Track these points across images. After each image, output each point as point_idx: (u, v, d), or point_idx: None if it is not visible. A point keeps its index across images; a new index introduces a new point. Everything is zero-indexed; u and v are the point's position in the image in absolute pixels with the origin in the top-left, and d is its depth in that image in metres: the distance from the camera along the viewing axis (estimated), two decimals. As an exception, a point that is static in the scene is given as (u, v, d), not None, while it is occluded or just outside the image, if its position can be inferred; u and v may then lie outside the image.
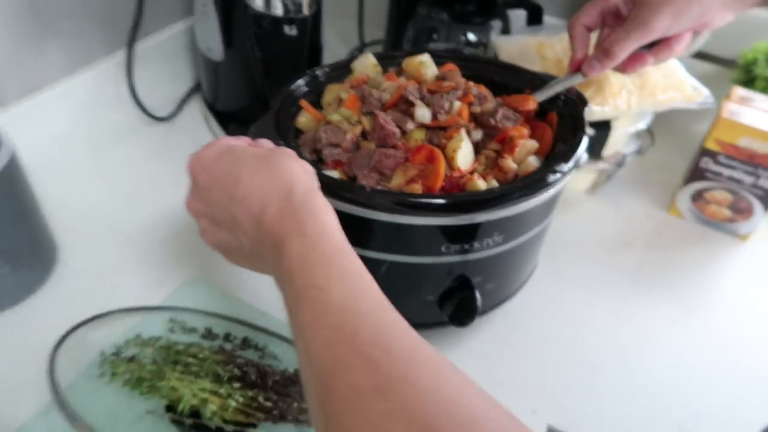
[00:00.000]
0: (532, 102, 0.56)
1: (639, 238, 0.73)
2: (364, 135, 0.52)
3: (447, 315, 0.54)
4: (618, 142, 0.73)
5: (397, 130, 0.51)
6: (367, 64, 0.58)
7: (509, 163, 0.51)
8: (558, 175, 0.49)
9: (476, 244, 0.50)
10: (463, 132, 0.50)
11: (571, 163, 0.50)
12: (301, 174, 0.36)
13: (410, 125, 0.51)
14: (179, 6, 0.82)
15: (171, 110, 0.83)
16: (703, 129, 0.86)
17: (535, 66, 0.69)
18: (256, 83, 0.74)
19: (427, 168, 0.49)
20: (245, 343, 0.54)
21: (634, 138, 0.76)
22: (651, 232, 0.74)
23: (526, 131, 0.54)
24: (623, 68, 0.57)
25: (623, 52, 0.54)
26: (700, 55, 0.82)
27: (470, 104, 0.55)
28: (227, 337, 0.54)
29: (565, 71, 0.67)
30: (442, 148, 0.50)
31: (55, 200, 0.64)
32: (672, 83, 0.66)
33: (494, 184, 0.50)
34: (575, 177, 0.75)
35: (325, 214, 0.34)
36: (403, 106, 0.53)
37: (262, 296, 0.60)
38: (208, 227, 0.40)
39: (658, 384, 0.57)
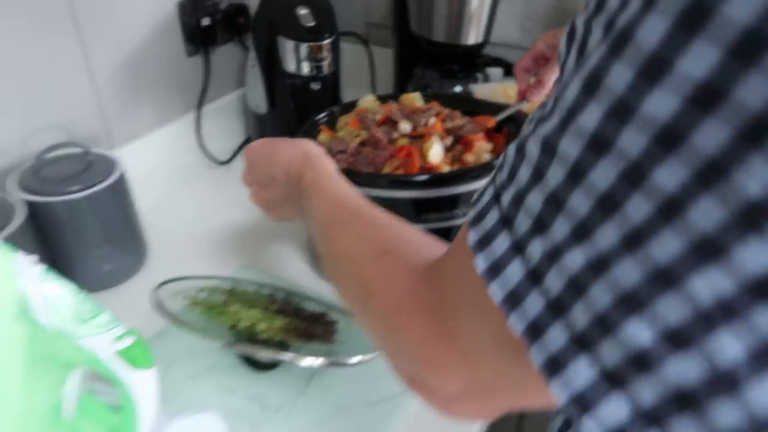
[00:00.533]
0: (491, 121, 0.78)
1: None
2: (363, 144, 0.74)
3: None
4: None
5: (384, 138, 0.72)
6: (368, 99, 0.81)
7: (468, 157, 0.72)
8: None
9: (447, 214, 0.69)
10: (435, 136, 0.72)
11: (512, 154, 0.70)
12: (314, 146, 0.58)
13: (395, 134, 0.72)
14: (234, 79, 1.08)
15: (228, 156, 1.07)
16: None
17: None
18: (292, 129, 0.98)
19: (407, 161, 0.70)
20: (285, 299, 0.74)
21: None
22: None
23: (483, 137, 0.74)
24: None
25: (551, 80, 0.76)
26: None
27: (443, 120, 0.76)
28: (272, 296, 0.74)
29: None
30: (420, 149, 0.71)
31: (148, 217, 0.86)
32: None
33: (456, 171, 0.70)
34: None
35: (326, 163, 0.55)
36: (390, 123, 0.75)
37: (296, 275, 0.80)
38: (256, 190, 0.61)
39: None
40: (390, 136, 0.73)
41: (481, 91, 0.97)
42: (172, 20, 0.92)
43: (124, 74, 0.87)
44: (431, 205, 0.68)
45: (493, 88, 0.95)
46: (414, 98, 0.81)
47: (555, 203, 0.21)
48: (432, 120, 0.75)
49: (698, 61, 0.16)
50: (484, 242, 0.25)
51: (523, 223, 0.23)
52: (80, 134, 0.83)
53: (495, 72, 1.08)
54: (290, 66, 0.91)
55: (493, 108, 0.80)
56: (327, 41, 0.89)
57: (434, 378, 0.30)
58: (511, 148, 0.25)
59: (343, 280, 0.40)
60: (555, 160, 0.21)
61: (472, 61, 1.06)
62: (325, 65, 0.90)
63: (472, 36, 0.98)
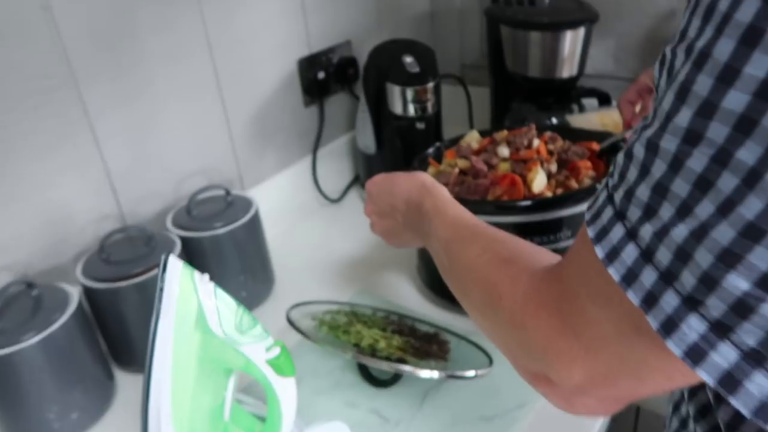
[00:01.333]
0: (595, 145, 0.81)
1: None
2: (464, 173, 0.79)
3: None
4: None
5: (484, 167, 0.77)
6: (472, 135, 0.88)
7: (573, 183, 0.76)
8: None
9: (551, 237, 0.73)
10: (538, 167, 0.76)
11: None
12: (429, 177, 0.65)
13: (495, 160, 0.78)
14: (345, 124, 1.19)
15: (339, 194, 1.17)
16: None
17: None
18: (400, 168, 1.06)
19: (511, 189, 0.75)
20: (400, 320, 0.80)
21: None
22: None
23: (590, 164, 0.78)
24: None
25: None
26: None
27: (546, 142, 0.81)
28: (387, 317, 0.80)
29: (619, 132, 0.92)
30: (523, 177, 0.76)
31: (272, 249, 0.97)
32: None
33: (560, 196, 0.74)
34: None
35: (443, 189, 0.61)
36: (491, 147, 0.80)
37: (408, 300, 0.86)
38: (377, 220, 0.69)
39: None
40: (490, 162, 0.78)
41: (577, 121, 1.00)
42: (292, 76, 1.05)
43: (254, 125, 1.00)
44: (536, 229, 0.73)
45: (588, 118, 0.99)
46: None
47: (660, 191, 0.26)
48: (536, 142, 0.79)
49: (758, 66, 0.22)
50: (601, 234, 0.29)
51: (634, 213, 0.27)
52: (219, 178, 0.95)
53: (590, 102, 1.11)
54: (397, 109, 1.00)
55: (594, 136, 0.84)
56: (431, 84, 0.97)
57: (558, 370, 0.34)
58: (620, 155, 0.30)
59: (471, 288, 0.45)
60: (658, 156, 0.26)
61: (567, 93, 1.10)
62: (429, 106, 0.98)
63: (566, 70, 1.03)
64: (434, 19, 1.37)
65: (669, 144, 0.25)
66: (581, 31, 0.99)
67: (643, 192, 0.27)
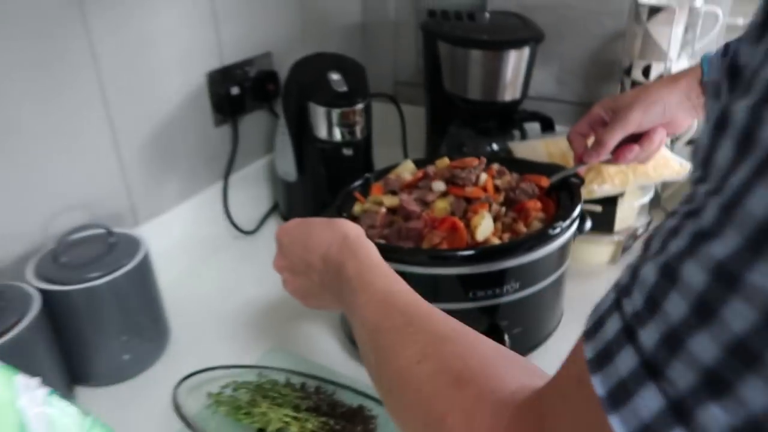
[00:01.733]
0: (544, 181, 0.71)
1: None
2: (394, 212, 0.67)
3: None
4: (628, 217, 0.85)
5: (416, 208, 0.65)
6: (406, 166, 0.76)
7: (521, 227, 0.65)
8: (557, 230, 0.62)
9: (497, 290, 0.63)
10: (486, 210, 0.65)
11: (567, 222, 0.63)
12: (353, 227, 0.52)
13: (430, 196, 0.66)
14: (262, 146, 1.05)
15: (255, 226, 1.03)
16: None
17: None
18: (324, 196, 0.93)
19: (452, 236, 0.63)
20: (318, 390, 0.66)
21: (644, 212, 0.88)
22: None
23: (539, 204, 0.68)
24: (616, 158, 0.72)
25: (611, 140, 0.69)
26: (692, 141, 0.95)
27: (493, 176, 0.70)
28: (303, 386, 0.67)
29: (568, 162, 0.83)
30: (468, 220, 0.64)
31: (169, 293, 0.81)
32: (660, 163, 0.80)
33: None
34: (595, 250, 0.86)
35: (369, 247, 0.49)
36: (423, 183, 0.69)
37: (329, 357, 0.73)
38: (289, 277, 0.56)
39: None
40: (424, 198, 0.67)
41: (520, 149, 0.91)
42: (200, 91, 0.90)
43: (151, 149, 0.84)
44: (479, 282, 0.62)
45: (533, 146, 0.89)
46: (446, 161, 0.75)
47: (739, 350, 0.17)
48: (483, 177, 0.69)
49: None
50: (617, 390, 0.20)
51: (681, 375, 0.19)
52: (104, 213, 0.79)
53: (532, 127, 1.02)
54: (321, 132, 0.87)
55: (542, 168, 0.74)
56: (360, 106, 0.85)
57: None
58: (648, 271, 0.20)
59: (405, 409, 0.33)
60: (736, 289, 0.17)
61: (509, 117, 1.00)
62: (358, 130, 0.86)
63: (509, 93, 0.94)
64: (365, 31, 1.25)
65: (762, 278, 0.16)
66: (526, 51, 0.89)
67: (702, 346, 0.18)
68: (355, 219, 0.71)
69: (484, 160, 0.71)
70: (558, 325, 0.72)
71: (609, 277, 0.88)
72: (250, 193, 1.03)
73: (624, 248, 0.88)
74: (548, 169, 0.74)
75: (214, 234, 0.97)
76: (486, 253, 0.60)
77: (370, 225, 0.66)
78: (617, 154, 0.71)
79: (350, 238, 0.49)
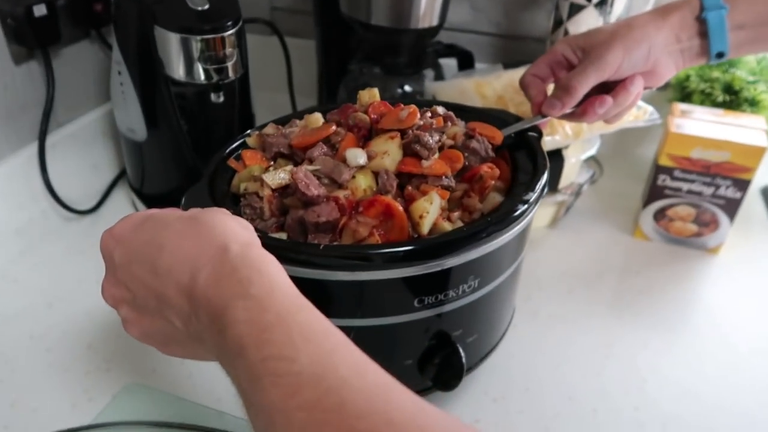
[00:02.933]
0: (497, 135, 0.52)
1: (610, 267, 0.69)
2: (286, 190, 0.46)
3: (430, 379, 0.48)
4: (572, 173, 0.71)
5: (319, 192, 0.44)
6: (313, 119, 0.53)
7: (475, 203, 0.47)
8: (525, 205, 0.45)
9: (451, 293, 0.45)
10: (434, 193, 0.45)
11: (536, 192, 0.46)
12: (237, 228, 0.31)
13: (345, 174, 0.45)
14: (94, 91, 0.77)
15: (94, 202, 0.76)
16: (647, 149, 0.86)
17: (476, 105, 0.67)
18: (187, 160, 0.69)
19: (385, 224, 0.44)
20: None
21: (586, 167, 0.75)
22: (620, 258, 0.71)
23: (496, 170, 0.49)
24: (583, 111, 0.54)
25: (582, 87, 0.52)
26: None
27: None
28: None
29: (506, 107, 0.66)
30: (407, 200, 0.45)
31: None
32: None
33: (460, 224, 0.45)
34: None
35: (271, 268, 0.28)
36: (328, 144, 0.48)
37: (217, 393, 0.52)
38: (131, 315, 0.33)
39: (665, 415, 0.52)
40: (338, 177, 0.45)
41: (444, 91, 0.73)
42: (-22, 9, 0.60)
43: None
44: (429, 284, 0.43)
45: (461, 87, 0.71)
46: (375, 93, 0.54)
47: None
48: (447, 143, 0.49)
49: None
50: None
51: None
52: None
53: (448, 63, 0.84)
54: (177, 71, 0.62)
55: (490, 118, 0.55)
56: (231, 32, 0.60)
57: None
58: None
59: None
60: None
61: (422, 52, 0.81)
62: (230, 67, 0.62)
63: (426, 18, 0.74)
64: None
65: None
66: (447, -38, 0.69)
67: None
68: (237, 200, 0.49)
69: (415, 109, 0.50)
70: (510, 322, 0.56)
71: (551, 243, 0.76)
72: (83, 159, 0.76)
73: (567, 208, 0.74)
74: (494, 118, 0.56)
75: (31, 219, 0.69)
76: (438, 245, 0.42)
77: (252, 215, 0.45)
78: (585, 107, 0.54)
79: (232, 252, 0.28)
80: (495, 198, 0.48)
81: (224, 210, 0.33)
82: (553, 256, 0.71)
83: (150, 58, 0.62)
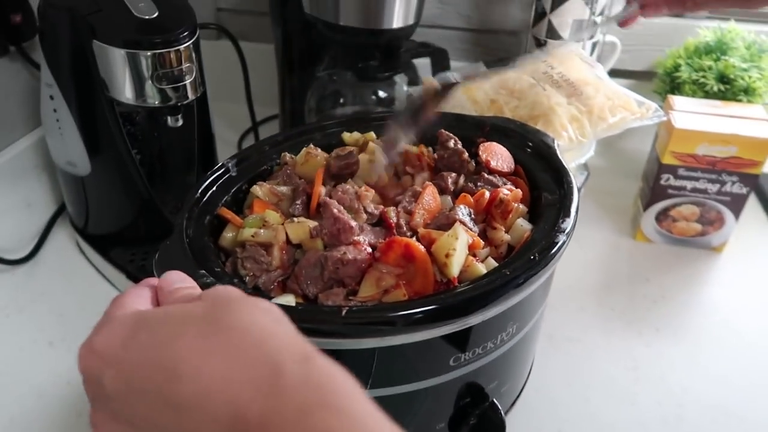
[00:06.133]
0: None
1: (617, 276, 0.65)
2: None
3: (466, 441, 0.41)
4: (569, 177, 0.66)
5: (353, 223, 0.38)
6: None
7: (501, 235, 0.40)
8: (564, 236, 0.39)
9: (489, 345, 0.38)
10: (458, 227, 0.38)
11: (572, 217, 0.41)
12: (278, 332, 0.23)
13: (364, 214, 0.38)
14: (21, 116, 0.65)
15: (30, 247, 0.64)
16: (632, 143, 0.82)
17: (469, 112, 0.61)
18: (140, 192, 0.59)
19: (409, 269, 0.36)
20: None
21: (581, 170, 0.70)
22: (625, 265, 0.66)
23: (519, 191, 0.43)
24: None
25: None
26: (614, 72, 0.79)
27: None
28: None
29: (498, 112, 0.60)
30: (427, 243, 0.38)
31: None
32: (618, 103, 0.60)
33: (492, 263, 0.39)
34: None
35: (347, 388, 0.20)
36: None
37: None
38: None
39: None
40: (358, 218, 0.39)
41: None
42: None
43: None
44: (468, 339, 0.37)
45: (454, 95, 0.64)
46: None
47: None
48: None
49: None
50: None
51: None
52: None
53: (422, 65, 0.77)
54: (124, 93, 0.52)
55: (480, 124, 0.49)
56: (187, 43, 0.50)
57: None
58: None
59: None
60: None
61: (395, 53, 0.74)
62: (189, 85, 0.52)
63: (400, 16, 0.66)
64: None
65: None
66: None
67: None
68: (224, 254, 0.41)
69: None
70: (533, 364, 0.50)
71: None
72: (13, 196, 0.64)
73: (565, 216, 0.69)
74: (500, 133, 0.49)
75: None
76: (481, 296, 0.35)
77: (254, 269, 0.37)
78: None
79: (288, 375, 0.20)
80: (522, 227, 0.41)
81: (238, 293, 0.25)
82: (557, 269, 0.65)
83: (89, 79, 0.52)
